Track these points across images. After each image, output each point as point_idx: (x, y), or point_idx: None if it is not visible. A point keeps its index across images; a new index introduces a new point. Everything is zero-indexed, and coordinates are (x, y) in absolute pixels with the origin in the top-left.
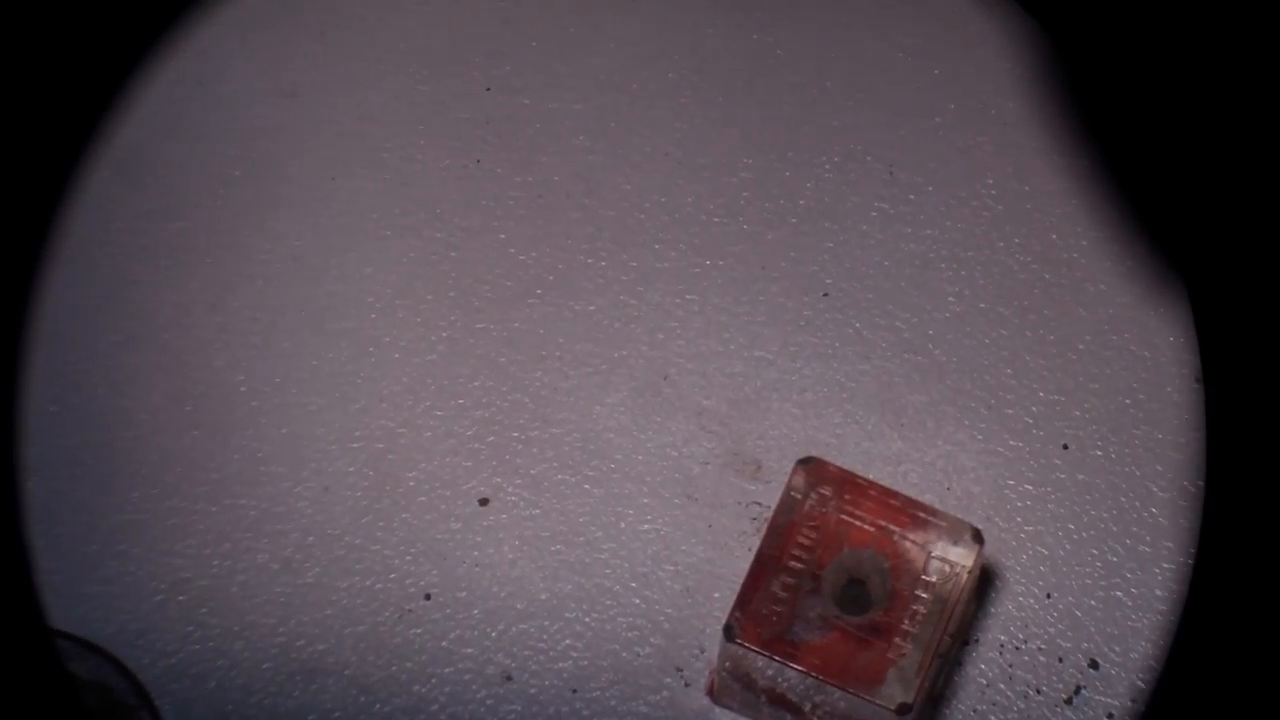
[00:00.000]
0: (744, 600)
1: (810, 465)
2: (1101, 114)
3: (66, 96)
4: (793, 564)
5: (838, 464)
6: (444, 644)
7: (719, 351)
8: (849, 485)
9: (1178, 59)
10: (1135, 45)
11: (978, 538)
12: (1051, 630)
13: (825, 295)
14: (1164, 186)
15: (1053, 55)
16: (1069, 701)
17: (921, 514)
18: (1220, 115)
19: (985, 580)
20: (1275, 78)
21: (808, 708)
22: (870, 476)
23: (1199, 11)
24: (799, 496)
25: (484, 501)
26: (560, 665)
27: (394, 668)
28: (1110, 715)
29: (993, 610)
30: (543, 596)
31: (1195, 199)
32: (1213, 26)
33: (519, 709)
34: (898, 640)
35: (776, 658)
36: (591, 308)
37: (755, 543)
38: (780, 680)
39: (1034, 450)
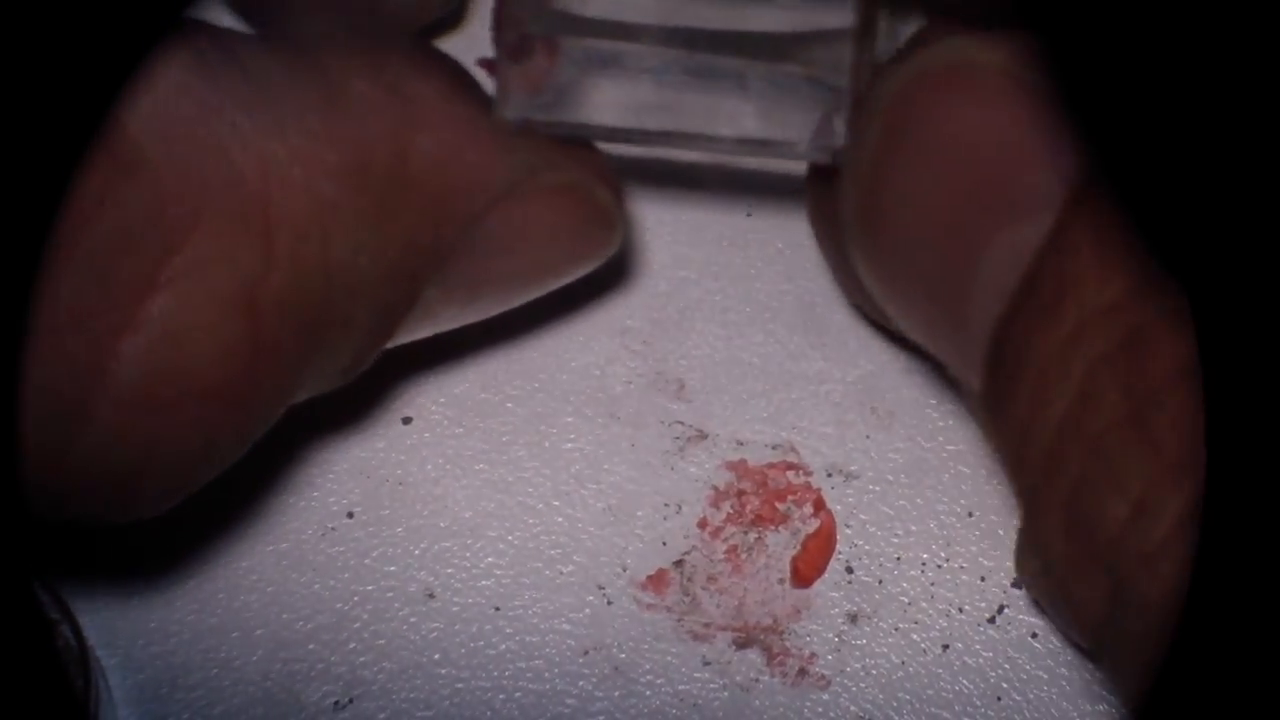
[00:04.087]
0: None
1: None
2: (1098, 112)
3: (66, 97)
4: None
5: (761, 383)
6: (366, 562)
7: (642, 270)
8: None
9: (1177, 58)
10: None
11: None
12: (974, 549)
13: (748, 215)
14: (1163, 186)
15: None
16: (992, 620)
17: None
18: (1220, 115)
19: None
20: (1275, 78)
21: None
22: (792, 396)
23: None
24: None
25: (407, 420)
26: (483, 583)
27: (316, 585)
28: (1034, 635)
29: (914, 528)
30: (466, 515)
31: (1195, 199)
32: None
33: (441, 626)
34: None
35: None
36: None
37: (678, 461)
38: None
39: None
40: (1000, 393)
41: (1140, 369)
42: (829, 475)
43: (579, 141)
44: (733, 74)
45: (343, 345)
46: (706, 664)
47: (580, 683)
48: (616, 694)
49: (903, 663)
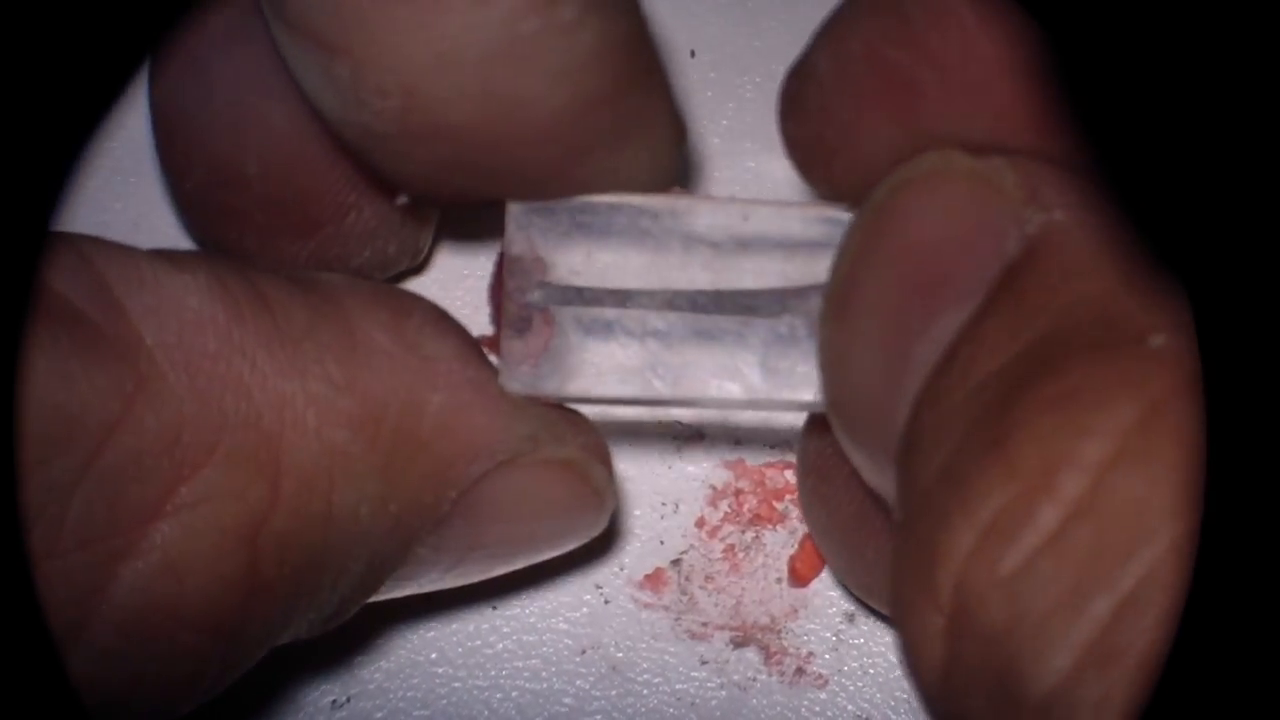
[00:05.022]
0: None
1: None
2: (1098, 111)
3: (65, 96)
4: None
5: None
6: None
7: None
8: None
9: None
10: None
11: None
12: None
13: None
14: (1163, 186)
15: (1049, 51)
16: None
17: None
18: (1220, 114)
19: None
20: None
21: None
22: None
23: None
24: None
25: None
26: (480, 582)
27: None
28: None
29: None
30: None
31: (1195, 199)
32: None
33: (438, 625)
34: None
35: None
36: None
37: (675, 460)
38: None
39: None
40: (904, 462)
41: (1012, 402)
42: None
43: (579, 408)
44: (733, 331)
45: (331, 594)
46: (704, 663)
47: (577, 682)
48: (614, 693)
49: (900, 661)
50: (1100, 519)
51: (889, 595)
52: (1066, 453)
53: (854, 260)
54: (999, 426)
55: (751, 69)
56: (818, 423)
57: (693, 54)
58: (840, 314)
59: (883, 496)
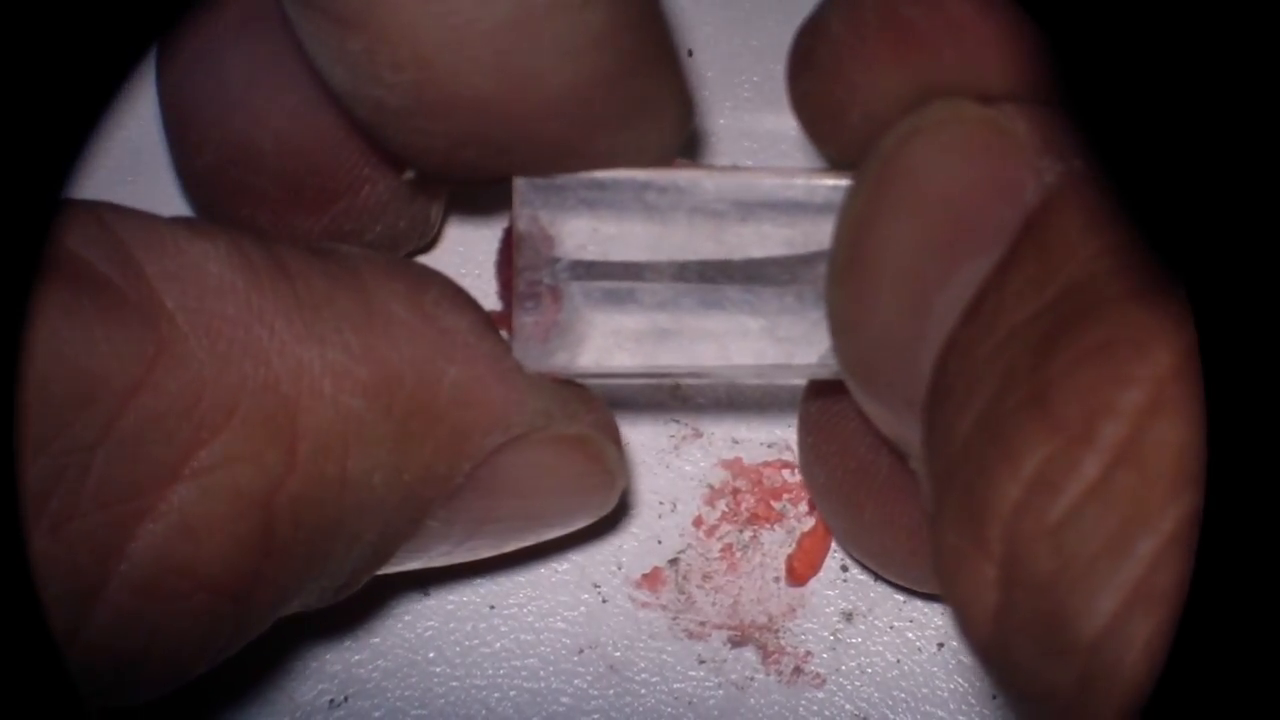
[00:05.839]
0: None
1: None
2: (1099, 111)
3: (66, 96)
4: None
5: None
6: None
7: None
8: None
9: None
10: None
11: None
12: None
13: None
14: (1164, 186)
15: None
16: None
17: None
18: (1220, 114)
19: None
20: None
21: None
22: (787, 394)
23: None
24: None
25: None
26: (477, 581)
27: None
28: None
29: None
30: None
31: (1195, 198)
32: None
33: (436, 624)
34: None
35: None
36: None
37: (673, 460)
38: None
39: None
40: (934, 412)
41: (1048, 355)
42: None
43: (593, 382)
44: (741, 300)
45: (344, 562)
46: (701, 662)
47: (575, 681)
48: (611, 692)
49: (898, 660)
50: (1141, 465)
51: (931, 546)
52: (1106, 402)
53: (864, 210)
54: (1037, 380)
55: (748, 69)
56: (821, 384)
57: (690, 54)
58: (853, 266)
59: (901, 447)
